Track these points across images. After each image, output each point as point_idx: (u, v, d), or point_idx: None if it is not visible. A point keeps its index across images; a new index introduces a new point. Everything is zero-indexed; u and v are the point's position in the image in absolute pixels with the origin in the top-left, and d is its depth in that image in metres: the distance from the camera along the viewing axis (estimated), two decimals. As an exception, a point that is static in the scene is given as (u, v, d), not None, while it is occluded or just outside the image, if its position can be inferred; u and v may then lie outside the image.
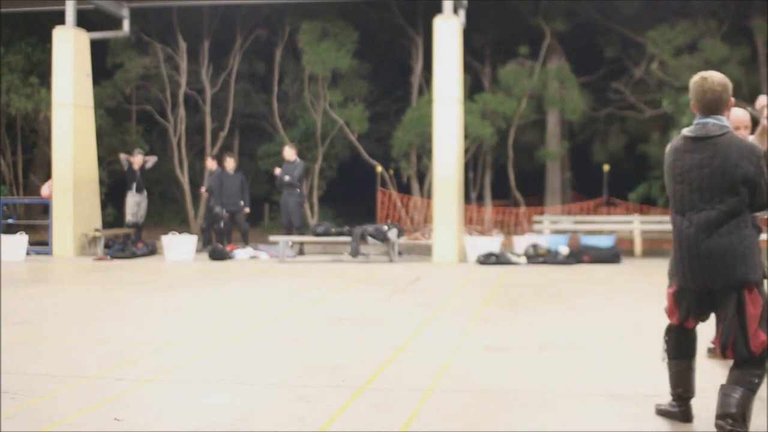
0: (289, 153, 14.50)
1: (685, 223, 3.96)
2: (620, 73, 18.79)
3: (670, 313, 4.21)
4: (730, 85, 4.02)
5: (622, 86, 18.54)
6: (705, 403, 4.29)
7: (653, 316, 7.74)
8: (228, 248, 14.02)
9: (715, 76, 4.01)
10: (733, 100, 4.04)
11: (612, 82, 18.79)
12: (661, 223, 15.00)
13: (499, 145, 18.23)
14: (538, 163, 19.45)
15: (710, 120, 3.97)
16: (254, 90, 20.77)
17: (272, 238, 13.86)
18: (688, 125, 4.03)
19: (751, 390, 3.92)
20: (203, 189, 15.44)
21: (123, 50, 18.44)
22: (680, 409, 4.25)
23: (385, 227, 13.62)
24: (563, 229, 14.61)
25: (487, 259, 12.91)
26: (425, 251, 14.34)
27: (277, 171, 14.60)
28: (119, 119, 20.25)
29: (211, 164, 15.35)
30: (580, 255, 13.00)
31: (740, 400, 3.88)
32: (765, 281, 3.97)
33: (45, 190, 15.14)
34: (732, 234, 3.87)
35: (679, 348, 4.24)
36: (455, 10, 14.05)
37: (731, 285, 3.90)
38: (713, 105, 3.97)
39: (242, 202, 14.63)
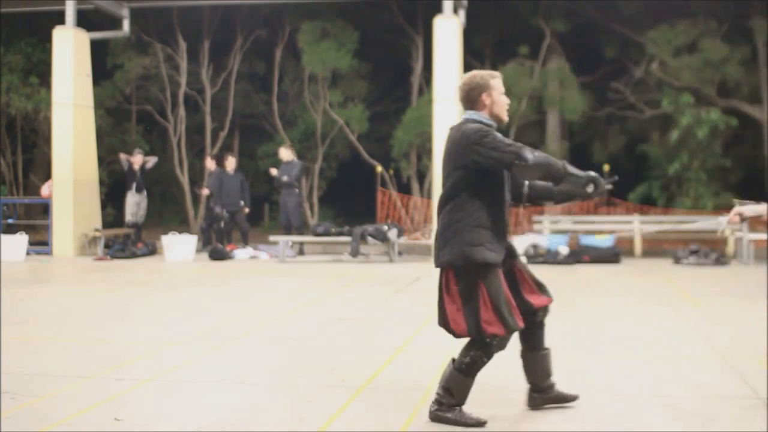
0: (285, 153, 14.51)
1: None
2: (620, 73, 18.78)
3: None
4: (479, 83, 4.16)
5: (622, 86, 18.53)
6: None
7: (653, 316, 7.74)
8: (228, 248, 14.02)
9: (464, 77, 4.25)
10: (484, 97, 4.15)
11: (612, 82, 18.78)
12: (661, 223, 15.00)
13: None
14: (538, 163, 19.43)
15: (467, 115, 4.20)
16: (254, 90, 20.77)
17: (272, 238, 13.86)
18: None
19: (459, 370, 4.15)
20: (206, 190, 15.14)
21: (123, 50, 18.45)
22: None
23: (385, 227, 13.61)
24: (563, 229, 14.60)
25: (487, 259, 12.89)
26: (425, 251, 14.33)
27: (273, 172, 14.60)
28: (119, 119, 20.26)
29: (210, 164, 15.34)
30: (580, 255, 13.00)
31: (448, 375, 4.19)
32: (489, 270, 4.02)
33: (45, 190, 15.14)
34: (449, 214, 4.08)
35: None
36: (455, 10, 14.05)
37: (438, 265, 4.14)
38: (465, 102, 4.22)
39: (242, 202, 14.62)
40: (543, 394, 4.43)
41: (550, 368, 4.43)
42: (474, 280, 4.02)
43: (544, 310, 4.34)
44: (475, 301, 4.03)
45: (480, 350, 4.13)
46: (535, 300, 4.27)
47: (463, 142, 4.03)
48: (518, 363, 5.71)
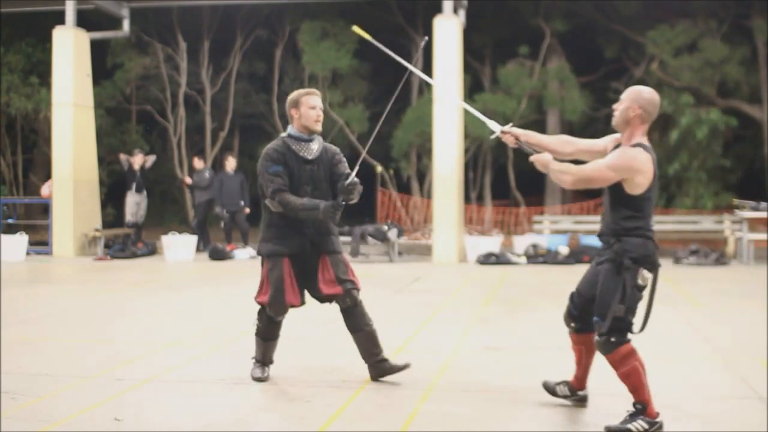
0: None
1: None
2: (620, 73, 18.77)
3: None
4: (291, 100, 4.95)
5: (622, 86, 18.50)
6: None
7: (653, 315, 7.74)
8: (228, 248, 14.02)
9: None
10: (293, 112, 4.92)
11: (612, 82, 18.77)
12: (661, 223, 14.99)
13: (499, 145, 18.22)
14: (538, 163, 19.43)
15: (287, 130, 5.05)
16: (254, 90, 20.76)
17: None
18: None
19: (256, 333, 5.24)
20: (188, 179, 15.83)
21: (123, 50, 18.44)
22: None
23: (385, 227, 13.61)
24: (563, 229, 14.61)
25: (487, 259, 12.91)
26: (425, 251, 14.33)
27: None
28: (119, 119, 20.26)
29: (197, 163, 15.36)
30: (580, 255, 13.00)
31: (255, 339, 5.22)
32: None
33: (45, 190, 15.14)
34: (263, 213, 5.05)
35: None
36: (455, 10, 14.04)
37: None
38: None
39: (242, 202, 14.63)
40: (375, 368, 5.09)
41: (371, 347, 5.07)
42: (264, 263, 5.06)
43: (338, 298, 5.01)
44: (262, 278, 5.08)
45: (260, 315, 5.20)
46: (325, 289, 4.98)
47: (260, 159, 4.94)
48: (518, 365, 5.73)
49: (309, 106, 4.90)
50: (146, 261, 13.67)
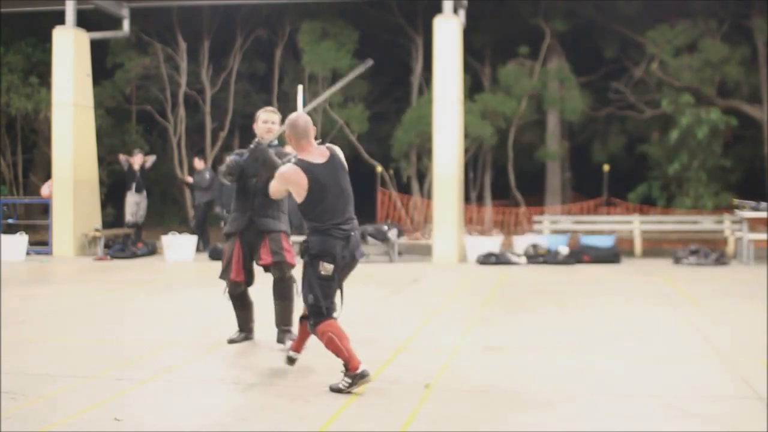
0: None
1: None
2: (620, 73, 18.77)
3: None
4: (255, 115, 6.31)
5: (622, 86, 18.53)
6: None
7: (653, 315, 7.75)
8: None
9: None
10: (254, 125, 6.30)
11: (612, 82, 18.77)
12: (661, 223, 14.99)
13: (499, 145, 18.22)
14: (538, 163, 19.43)
15: None
16: (254, 90, 20.76)
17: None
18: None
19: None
20: (189, 178, 16.17)
21: (123, 50, 18.44)
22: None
23: (385, 227, 13.61)
24: (563, 229, 14.60)
25: (487, 259, 12.91)
26: (425, 251, 14.33)
27: None
28: (119, 119, 20.25)
29: (198, 164, 15.36)
30: (580, 255, 13.00)
31: None
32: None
33: (45, 190, 15.14)
34: None
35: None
36: (455, 10, 14.04)
37: None
38: None
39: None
40: (280, 333, 6.09)
41: (285, 317, 6.07)
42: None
43: (270, 268, 6.03)
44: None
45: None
46: (263, 259, 6.01)
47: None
48: (517, 365, 5.73)
49: (263, 120, 6.18)
50: (146, 261, 13.67)
